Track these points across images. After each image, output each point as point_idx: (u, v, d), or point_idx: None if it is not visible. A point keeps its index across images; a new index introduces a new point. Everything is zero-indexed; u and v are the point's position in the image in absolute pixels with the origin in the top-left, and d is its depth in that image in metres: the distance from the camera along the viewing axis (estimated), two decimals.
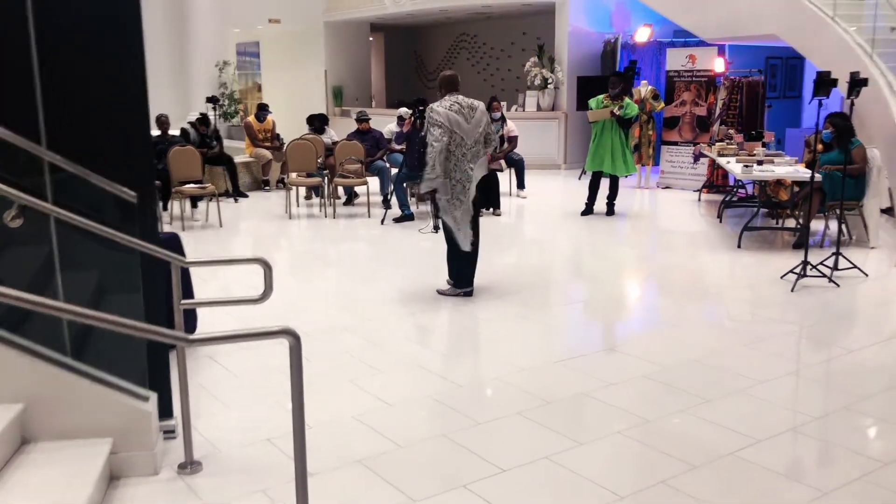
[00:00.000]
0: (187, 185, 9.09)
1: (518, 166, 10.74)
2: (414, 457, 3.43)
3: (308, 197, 10.80)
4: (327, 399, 4.04)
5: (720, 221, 8.96)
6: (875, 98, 7.97)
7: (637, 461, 3.43)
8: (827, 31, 9.24)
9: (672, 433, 3.66)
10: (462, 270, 5.93)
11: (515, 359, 4.62)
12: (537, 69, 13.74)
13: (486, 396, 4.14)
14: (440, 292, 5.99)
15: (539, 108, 13.84)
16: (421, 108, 7.88)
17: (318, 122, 11.24)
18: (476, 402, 4.04)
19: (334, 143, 10.49)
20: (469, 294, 5.92)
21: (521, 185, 10.80)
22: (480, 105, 5.84)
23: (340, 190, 10.28)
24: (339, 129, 12.65)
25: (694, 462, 3.34)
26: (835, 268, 6.35)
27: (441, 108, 5.64)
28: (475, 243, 5.89)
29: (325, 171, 9.90)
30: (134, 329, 2.34)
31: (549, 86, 13.68)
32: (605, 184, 9.38)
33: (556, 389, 4.14)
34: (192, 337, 2.55)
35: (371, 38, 18.57)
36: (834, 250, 6.48)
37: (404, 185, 9.23)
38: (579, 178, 12.16)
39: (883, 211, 7.86)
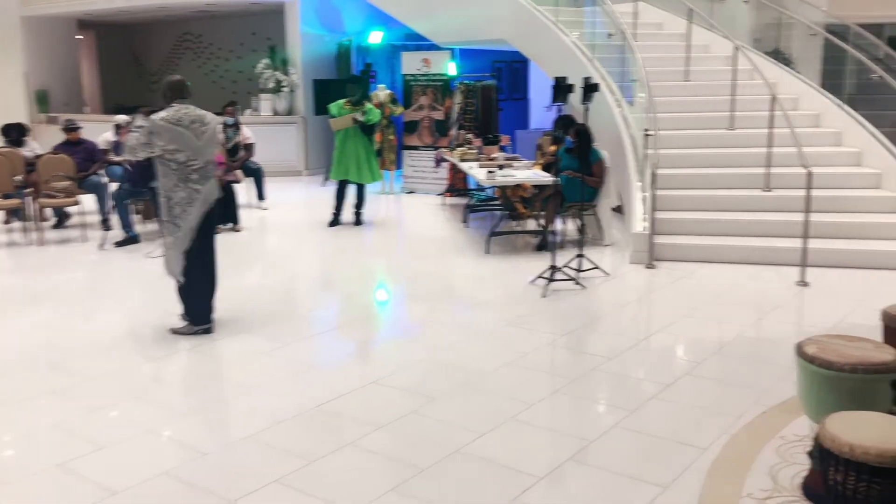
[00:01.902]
0: None
1: (256, 175, 10.03)
2: None
3: (7, 221, 9.24)
4: (24, 499, 3.20)
5: (466, 226, 8.96)
6: (598, 101, 8.36)
7: None
8: (552, 37, 9.61)
9: (451, 480, 3.32)
10: (198, 304, 5.20)
11: (269, 409, 4.04)
12: (270, 71, 13.05)
13: (238, 464, 3.52)
14: (174, 331, 5.21)
15: (275, 113, 13.16)
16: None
17: (15, 133, 9.65)
18: (225, 473, 3.40)
19: (37, 157, 9.05)
20: (209, 331, 5.20)
21: (261, 196, 10.10)
22: (211, 117, 5.14)
23: (50, 211, 8.91)
24: (46, 140, 11.05)
25: None
26: (579, 269, 6.49)
27: (165, 123, 4.87)
28: (211, 272, 5.19)
29: (26, 191, 8.49)
30: None
31: (283, 89, 13.05)
32: (350, 192, 9.00)
33: (317, 444, 3.63)
34: None
35: (80, 36, 16.63)
36: (576, 251, 6.62)
37: (126, 202, 8.16)
38: (322, 185, 11.68)
39: (613, 209, 8.27)
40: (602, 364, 4.69)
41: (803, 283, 6.32)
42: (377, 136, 10.96)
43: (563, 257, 6.55)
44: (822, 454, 2.35)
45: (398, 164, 11.77)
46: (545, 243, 7.55)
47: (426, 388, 4.30)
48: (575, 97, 6.22)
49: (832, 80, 9.84)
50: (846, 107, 8.64)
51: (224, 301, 5.55)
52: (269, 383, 4.43)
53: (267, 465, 3.42)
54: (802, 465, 3.29)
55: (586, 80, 6.35)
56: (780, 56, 10.94)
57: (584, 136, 7.42)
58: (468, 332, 5.34)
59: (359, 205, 9.07)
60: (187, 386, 4.62)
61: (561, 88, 5.88)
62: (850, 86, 9.86)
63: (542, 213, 7.75)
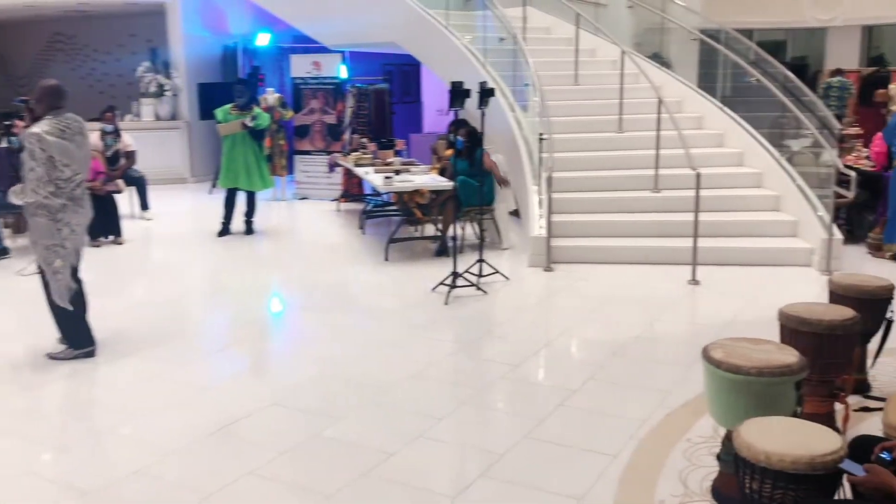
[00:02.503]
0: None
1: (139, 184, 9.52)
2: None
3: None
4: None
5: (363, 232, 8.78)
6: (493, 105, 8.36)
7: None
8: (443, 41, 9.55)
9: None
10: (77, 326, 4.81)
11: (159, 438, 3.76)
12: (152, 75, 12.45)
13: None
14: (52, 356, 4.81)
15: (158, 118, 12.56)
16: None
17: None
18: None
19: None
20: (91, 354, 4.83)
21: (144, 206, 9.59)
22: (84, 124, 4.77)
23: None
24: None
25: None
26: (480, 275, 6.44)
27: (49, 137, 4.46)
28: (81, 289, 4.80)
29: None
30: None
31: (166, 93, 12.47)
32: (240, 199, 8.66)
33: (213, 476, 3.39)
34: None
35: None
36: (476, 256, 6.57)
37: None
38: (210, 192, 11.21)
39: (510, 213, 8.28)
40: (507, 372, 4.63)
41: (694, 282, 6.49)
42: (267, 142, 10.60)
43: (464, 262, 6.49)
44: (739, 463, 2.34)
45: (290, 170, 11.46)
46: (444, 249, 7.48)
47: (329, 407, 4.12)
48: (471, 102, 6.16)
49: (709, 84, 10.23)
50: (727, 109, 8.98)
51: (106, 320, 5.19)
52: (159, 409, 4.13)
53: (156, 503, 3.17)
54: (710, 468, 3.33)
55: (482, 84, 6.30)
56: (660, 60, 11.30)
57: (473, 136, 7.40)
58: (370, 345, 5.18)
59: (249, 213, 8.74)
60: (66, 416, 4.26)
61: (458, 93, 5.81)
62: (726, 88, 10.28)
63: (440, 218, 7.67)
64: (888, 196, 7.22)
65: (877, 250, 7.38)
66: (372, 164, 8.95)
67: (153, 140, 11.99)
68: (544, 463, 3.51)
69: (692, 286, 6.45)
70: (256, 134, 8.60)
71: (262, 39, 12.62)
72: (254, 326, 5.80)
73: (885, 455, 2.18)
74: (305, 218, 10.11)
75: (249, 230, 8.72)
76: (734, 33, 10.27)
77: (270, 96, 10.95)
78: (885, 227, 7.28)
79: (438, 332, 5.45)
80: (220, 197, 8.95)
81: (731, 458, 3.01)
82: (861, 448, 2.28)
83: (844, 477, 2.19)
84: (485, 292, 6.20)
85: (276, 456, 3.55)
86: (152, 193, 9.73)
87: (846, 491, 2.24)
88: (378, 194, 9.49)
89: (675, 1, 11.67)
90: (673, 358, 4.97)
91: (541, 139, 7.50)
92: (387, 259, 7.38)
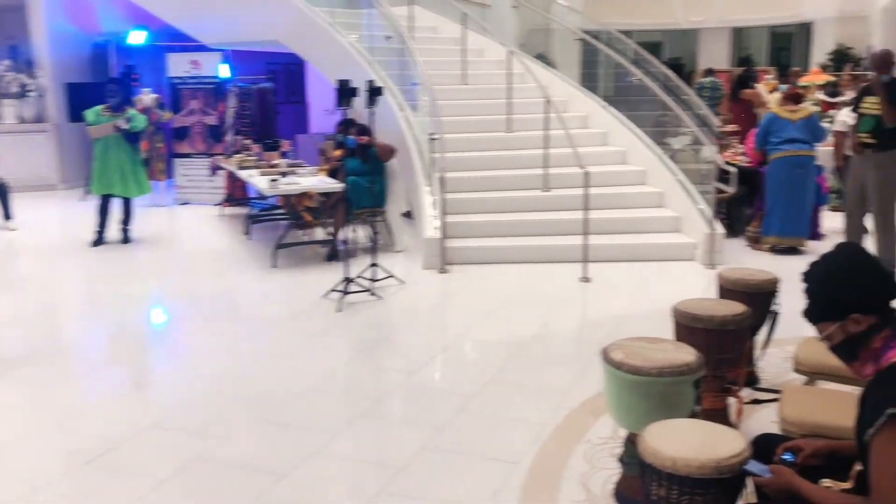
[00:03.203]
0: None
1: (1, 192, 8.83)
2: None
3: None
4: None
5: (249, 238, 8.45)
6: (382, 105, 8.21)
7: None
8: (329, 39, 9.34)
9: None
10: None
11: (26, 474, 3.42)
12: (13, 74, 11.61)
13: None
14: None
15: (22, 121, 11.72)
16: None
17: None
18: None
19: None
20: None
21: (7, 215, 8.91)
22: None
23: None
24: None
25: None
26: (373, 279, 6.28)
27: None
28: None
29: None
30: None
31: (30, 93, 11.66)
32: (116, 206, 8.16)
33: None
34: None
35: None
36: (369, 260, 6.41)
37: None
38: (82, 200, 10.54)
39: (403, 215, 8.15)
40: (404, 380, 4.50)
41: (586, 279, 6.55)
42: (143, 145, 10.03)
43: (356, 267, 6.31)
44: (645, 470, 2.29)
45: (169, 174, 10.93)
46: (335, 253, 7.27)
47: (216, 427, 3.87)
48: (359, 101, 6.00)
49: (592, 83, 10.45)
50: (611, 108, 9.17)
51: None
52: (25, 440, 3.77)
53: None
54: (612, 470, 3.30)
55: (370, 83, 6.14)
56: (545, 60, 11.46)
57: (366, 134, 7.25)
58: (259, 357, 4.93)
59: (126, 221, 8.25)
60: None
61: (345, 92, 5.63)
62: (608, 88, 10.52)
63: (331, 221, 7.45)
64: (764, 190, 7.52)
65: (755, 243, 7.68)
66: (256, 167, 8.63)
67: (17, 144, 11.21)
68: (445, 474, 3.40)
69: (584, 283, 6.51)
70: (131, 137, 8.12)
71: (136, 37, 12.01)
72: (133, 342, 5.43)
73: (787, 456, 2.18)
74: (187, 224, 9.66)
75: (126, 239, 8.23)
76: (616, 33, 10.51)
77: (146, 97, 10.41)
78: (762, 220, 7.58)
79: (332, 341, 5.26)
80: (93, 204, 8.39)
81: (633, 460, 2.99)
82: (763, 447, 2.27)
83: (749, 477, 2.17)
84: (379, 297, 6.05)
85: (159, 483, 3.29)
86: (17, 201, 9.05)
87: (751, 493, 2.23)
88: (264, 198, 9.15)
89: (558, 1, 11.86)
90: (569, 356, 4.97)
91: (431, 139, 7.41)
92: (274, 266, 7.10)
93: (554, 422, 3.87)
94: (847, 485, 2.05)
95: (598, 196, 7.18)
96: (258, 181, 7.78)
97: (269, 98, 11.00)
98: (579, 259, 6.66)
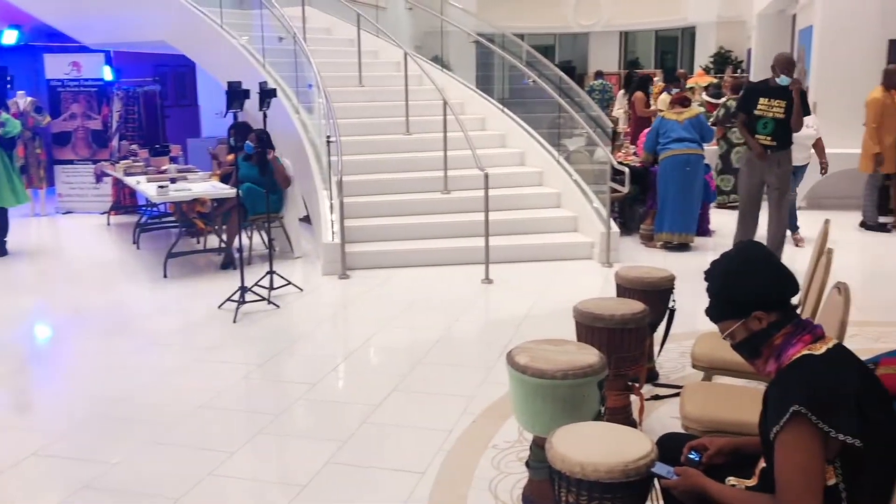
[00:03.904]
0: None
1: None
2: None
3: None
4: None
5: (138, 248, 8.06)
6: (276, 107, 7.99)
7: None
8: (219, 40, 9.04)
9: None
10: None
11: None
12: None
13: None
14: None
15: None
16: None
17: None
18: None
19: None
20: None
21: None
22: None
23: None
24: None
25: None
26: (271, 287, 6.08)
27: None
28: None
29: None
30: None
31: None
32: None
33: None
34: None
35: None
36: (266, 268, 6.20)
37: None
38: None
39: (301, 220, 7.96)
40: (306, 392, 4.36)
41: (488, 281, 6.56)
42: (19, 151, 9.45)
43: (252, 275, 6.10)
44: (554, 476, 2.25)
45: (50, 182, 10.32)
46: (230, 261, 7.02)
47: (102, 453, 3.62)
48: (252, 103, 5.79)
49: (487, 86, 10.53)
50: (507, 110, 9.24)
51: None
52: None
53: None
54: (519, 475, 3.27)
55: (262, 84, 5.95)
56: (440, 62, 11.47)
57: (265, 142, 7.02)
58: (150, 374, 4.68)
59: (2, 232, 7.72)
60: None
61: (236, 94, 5.41)
62: (504, 90, 10.62)
63: (225, 228, 7.19)
64: (656, 190, 7.73)
65: (649, 240, 7.89)
66: (144, 173, 8.25)
67: None
68: (351, 489, 3.29)
69: (486, 285, 6.51)
70: (5, 143, 7.63)
71: (9, 37, 11.29)
72: (12, 363, 5.04)
73: (693, 455, 2.18)
74: (71, 234, 9.14)
75: (2, 251, 7.70)
76: (511, 36, 10.62)
77: (22, 100, 9.79)
78: (654, 218, 7.79)
79: (228, 353, 5.05)
80: None
81: (540, 464, 2.96)
82: (668, 447, 2.27)
83: (656, 480, 2.17)
84: (277, 306, 5.86)
85: None
86: None
87: (658, 495, 2.23)
88: (153, 205, 8.77)
89: (453, 4, 11.89)
90: (473, 360, 4.93)
91: (328, 142, 7.25)
92: (166, 276, 6.79)
93: (460, 428, 3.82)
94: (752, 482, 2.07)
95: (498, 197, 7.22)
96: (146, 188, 7.43)
97: (156, 101, 10.54)
98: (481, 261, 6.66)
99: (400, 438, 3.76)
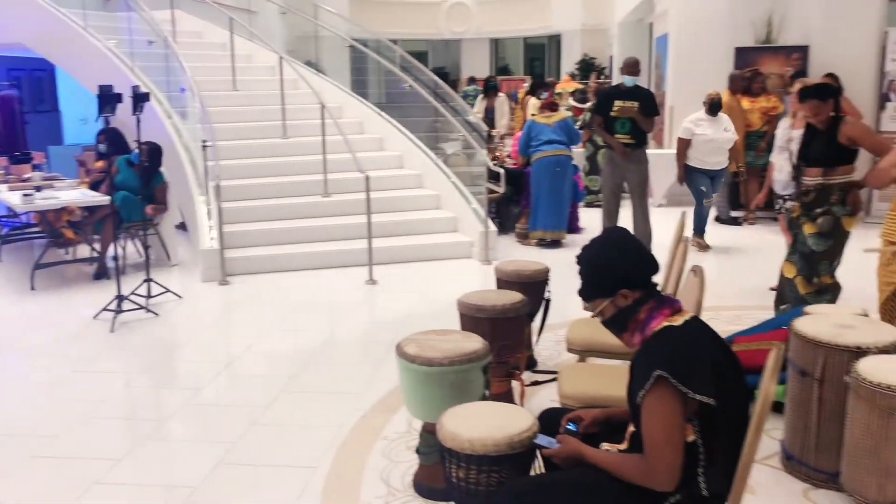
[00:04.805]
0: None
1: None
2: None
3: None
4: None
5: (0, 260, 7.65)
6: (147, 112, 7.80)
7: None
8: (83, 43, 8.70)
9: None
10: None
11: None
12: None
13: None
14: None
15: None
16: None
17: None
18: None
19: None
20: None
21: None
22: None
23: None
24: None
25: None
26: (149, 296, 5.94)
27: None
28: None
29: None
30: None
31: None
32: None
33: None
34: None
35: None
36: (143, 276, 6.05)
37: None
38: None
39: (176, 227, 7.79)
40: (190, 398, 4.32)
41: (372, 282, 6.65)
42: None
43: (129, 284, 5.94)
44: (445, 454, 2.39)
45: None
46: (104, 271, 6.80)
47: None
48: (124, 108, 5.65)
49: (363, 90, 10.63)
50: (384, 114, 9.36)
51: None
52: None
53: None
54: (410, 462, 3.40)
55: (135, 88, 5.81)
56: (315, 67, 11.48)
57: (155, 153, 6.87)
58: (24, 390, 4.49)
59: None
60: None
61: (108, 98, 5.27)
62: (381, 95, 10.76)
63: (97, 237, 6.94)
64: (530, 190, 8.05)
65: (524, 238, 8.21)
66: (5, 182, 7.83)
67: None
68: (243, 488, 3.31)
69: (370, 286, 6.60)
70: None
71: None
72: None
73: (571, 426, 2.37)
74: None
75: None
76: (385, 41, 10.75)
77: None
78: (529, 217, 8.12)
79: (107, 364, 4.90)
80: None
81: (430, 450, 3.10)
82: (549, 421, 2.46)
83: (538, 451, 2.34)
84: (156, 314, 5.74)
85: None
86: None
87: (540, 464, 2.40)
88: (16, 215, 8.32)
89: (326, 8, 11.91)
90: (360, 359, 5.02)
91: (204, 147, 7.14)
92: (33, 288, 6.49)
93: (350, 424, 3.90)
94: (623, 446, 2.27)
95: (378, 200, 7.32)
96: (8, 197, 7.06)
97: (14, 106, 10.01)
98: (364, 263, 6.74)
99: (291, 437, 3.81)
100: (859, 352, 3.05)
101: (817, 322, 3.32)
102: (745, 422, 2.10)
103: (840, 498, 3.10)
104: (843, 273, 4.79)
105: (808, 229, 4.61)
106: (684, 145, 7.68)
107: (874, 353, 3.03)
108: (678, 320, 2.18)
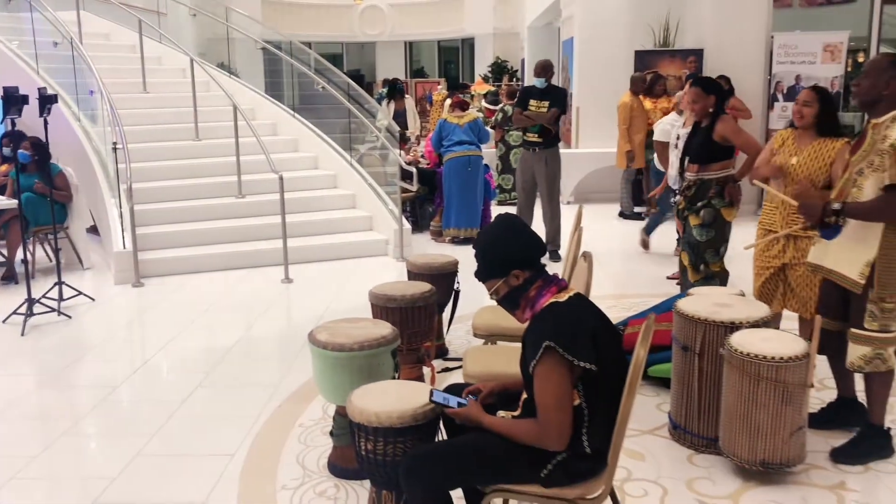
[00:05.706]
0: None
1: None
2: None
3: None
4: None
5: None
6: (54, 113, 7.68)
7: None
8: None
9: None
10: None
11: None
12: None
13: None
14: None
15: None
16: None
17: None
18: None
19: None
20: None
21: None
22: None
23: None
24: None
25: None
26: (61, 299, 5.89)
27: None
28: None
29: None
30: None
31: None
32: None
33: None
34: None
35: None
36: (54, 279, 5.99)
37: None
38: None
39: (88, 230, 7.69)
40: (108, 395, 4.36)
41: (288, 281, 6.75)
42: None
43: (39, 288, 5.87)
44: (354, 429, 2.56)
45: None
46: (12, 275, 6.68)
47: None
48: (30, 110, 5.60)
49: (276, 92, 10.68)
50: (298, 116, 9.45)
51: None
52: None
53: None
54: (325, 446, 3.55)
55: (41, 90, 5.76)
56: (227, 69, 11.45)
57: (39, 147, 6.76)
58: None
59: None
60: None
61: (13, 100, 5.22)
62: (295, 97, 10.82)
63: (3, 241, 6.81)
64: (442, 189, 8.28)
65: (438, 236, 8.44)
66: None
67: None
68: (162, 476, 3.40)
69: (286, 285, 6.70)
70: None
71: None
72: None
73: (472, 397, 2.58)
74: None
75: None
76: (299, 44, 10.82)
77: None
78: (442, 215, 8.35)
79: (17, 367, 4.87)
80: None
81: (342, 432, 3.27)
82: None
83: (441, 425, 2.54)
84: (69, 317, 5.70)
85: None
86: None
87: (443, 434, 2.60)
88: None
89: (237, 10, 11.89)
90: (275, 355, 5.13)
91: (115, 149, 7.09)
92: None
93: (266, 414, 4.02)
94: (517, 412, 2.49)
95: (294, 200, 7.43)
96: None
97: None
98: (280, 262, 6.83)
99: (208, 428, 3.90)
100: (733, 326, 3.36)
101: (698, 302, 3.63)
102: (622, 387, 2.34)
103: (719, 461, 3.41)
104: (730, 260, 5.18)
105: (692, 221, 4.97)
106: (664, 148, 7.02)
107: (746, 328, 3.36)
108: (563, 297, 2.41)
